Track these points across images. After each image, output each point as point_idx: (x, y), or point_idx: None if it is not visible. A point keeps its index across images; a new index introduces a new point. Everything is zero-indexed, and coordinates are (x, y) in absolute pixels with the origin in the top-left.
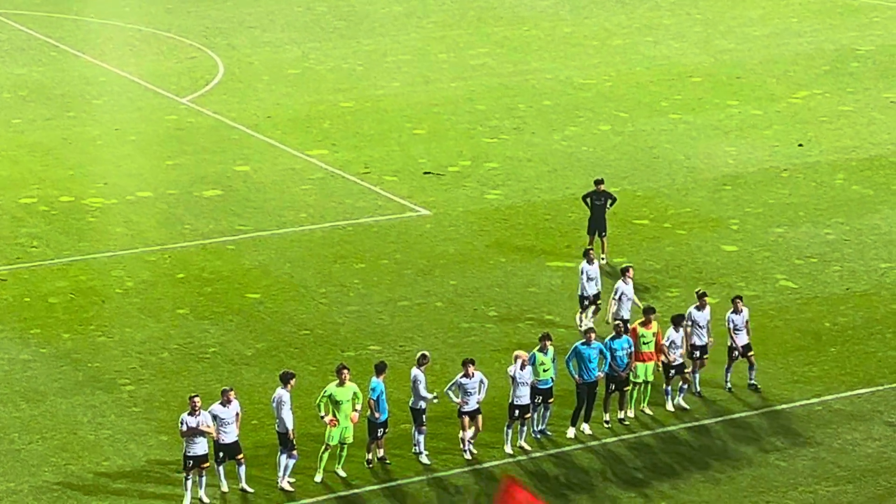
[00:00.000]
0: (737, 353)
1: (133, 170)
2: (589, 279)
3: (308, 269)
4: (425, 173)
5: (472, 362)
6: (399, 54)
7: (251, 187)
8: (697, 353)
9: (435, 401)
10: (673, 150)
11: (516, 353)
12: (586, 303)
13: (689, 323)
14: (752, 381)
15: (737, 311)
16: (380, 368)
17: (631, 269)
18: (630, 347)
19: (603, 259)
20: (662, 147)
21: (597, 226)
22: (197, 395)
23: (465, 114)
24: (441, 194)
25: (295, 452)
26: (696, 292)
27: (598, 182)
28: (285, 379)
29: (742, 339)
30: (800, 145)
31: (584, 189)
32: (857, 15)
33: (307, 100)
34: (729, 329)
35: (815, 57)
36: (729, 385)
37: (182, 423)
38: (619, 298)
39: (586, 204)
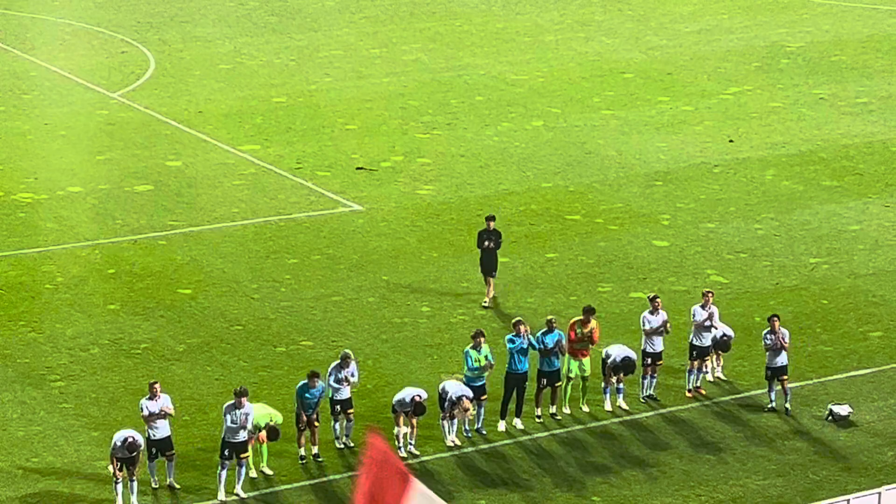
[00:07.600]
0: (769, 372)
1: (63, 165)
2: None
3: (240, 265)
4: (357, 169)
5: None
6: (331, 49)
7: (183, 182)
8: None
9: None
10: (605, 145)
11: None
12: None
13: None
14: (773, 404)
15: (773, 331)
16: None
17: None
18: (562, 341)
19: (486, 303)
20: (594, 143)
21: (488, 266)
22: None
23: (398, 109)
24: (373, 190)
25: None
26: (648, 297)
27: (490, 219)
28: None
29: (778, 359)
30: (730, 141)
31: (517, 184)
32: (786, 12)
33: (239, 95)
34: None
35: (746, 53)
36: (772, 405)
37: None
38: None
39: (481, 247)
